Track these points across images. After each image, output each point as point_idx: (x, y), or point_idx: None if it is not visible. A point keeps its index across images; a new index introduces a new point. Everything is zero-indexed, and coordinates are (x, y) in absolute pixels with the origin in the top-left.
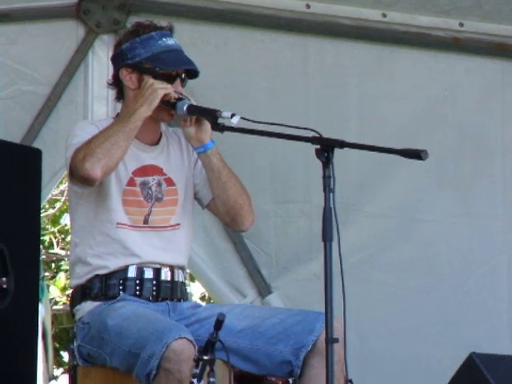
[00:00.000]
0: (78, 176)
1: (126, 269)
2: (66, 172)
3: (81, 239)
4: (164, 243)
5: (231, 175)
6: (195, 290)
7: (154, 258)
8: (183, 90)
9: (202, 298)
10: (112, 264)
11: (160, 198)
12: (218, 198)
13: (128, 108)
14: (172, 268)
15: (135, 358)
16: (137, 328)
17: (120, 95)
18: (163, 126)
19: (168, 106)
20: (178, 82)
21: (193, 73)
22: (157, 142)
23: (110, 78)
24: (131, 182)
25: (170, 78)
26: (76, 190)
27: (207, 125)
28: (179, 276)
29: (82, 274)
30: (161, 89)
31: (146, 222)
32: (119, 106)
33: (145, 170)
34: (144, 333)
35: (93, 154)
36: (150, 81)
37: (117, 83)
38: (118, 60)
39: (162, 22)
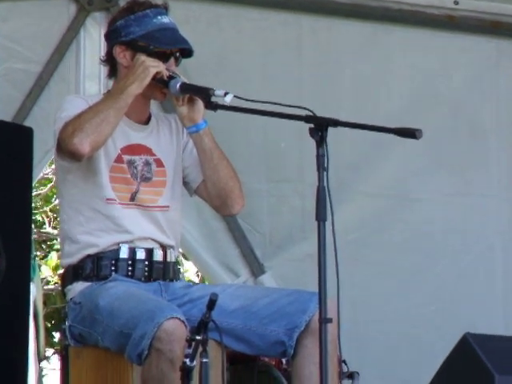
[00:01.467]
0: (65, 150)
1: (117, 249)
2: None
3: (69, 215)
4: (152, 222)
5: (223, 157)
6: (190, 268)
7: (145, 234)
8: (176, 68)
9: (197, 276)
10: (102, 241)
11: (149, 178)
12: (208, 179)
13: (119, 85)
14: (164, 248)
15: (127, 338)
16: (128, 308)
17: (112, 72)
18: (155, 110)
19: (161, 83)
20: (172, 60)
21: (187, 52)
22: (146, 122)
23: (104, 54)
24: (119, 159)
25: (164, 57)
26: (63, 165)
27: (200, 104)
28: (171, 256)
29: (71, 252)
30: (152, 66)
31: (132, 199)
32: (111, 83)
33: (132, 149)
34: (135, 312)
35: (82, 128)
36: (141, 58)
37: (110, 60)
38: (112, 37)
39: (158, 0)
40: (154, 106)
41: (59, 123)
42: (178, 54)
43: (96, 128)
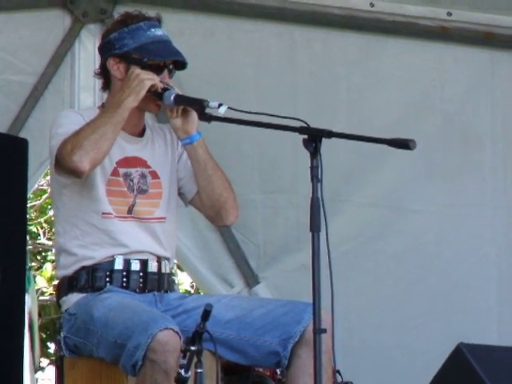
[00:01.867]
0: (65, 168)
1: (112, 260)
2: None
3: (64, 229)
4: (149, 234)
5: (217, 168)
6: (184, 279)
7: (141, 248)
8: (170, 80)
9: (192, 287)
10: (98, 254)
11: (145, 190)
12: (202, 190)
13: (114, 98)
14: (159, 259)
15: (121, 349)
16: (122, 319)
17: (106, 85)
18: (149, 121)
19: (155, 96)
20: (165, 72)
21: (181, 64)
22: (141, 134)
23: (97, 67)
24: (115, 172)
25: (157, 69)
26: (60, 180)
27: (194, 116)
28: (166, 267)
29: (67, 264)
30: (147, 79)
31: (130, 211)
32: (106, 96)
33: (128, 162)
34: (129, 323)
35: (81, 146)
36: (136, 71)
37: (104, 73)
38: (106, 50)
39: (151, 13)
40: (148, 117)
41: (56, 140)
42: (171, 66)
43: (95, 145)
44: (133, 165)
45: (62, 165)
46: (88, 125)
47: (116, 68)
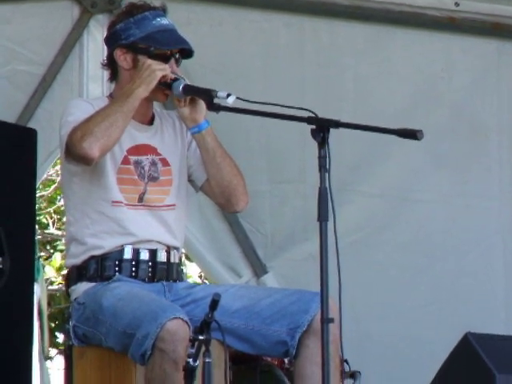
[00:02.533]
0: (75, 155)
1: (121, 250)
2: (59, 150)
3: (75, 218)
4: (159, 222)
5: (226, 156)
6: (193, 270)
7: (149, 237)
8: (178, 69)
9: (200, 277)
10: (107, 243)
11: (156, 178)
12: (212, 178)
13: (125, 88)
14: (168, 249)
15: (130, 339)
16: (131, 308)
17: (114, 76)
18: (157, 108)
19: (164, 86)
20: (172, 61)
21: (187, 52)
22: (150, 122)
23: (104, 58)
24: (126, 161)
25: (164, 58)
26: (70, 168)
27: (202, 105)
28: (175, 257)
29: (77, 253)
30: (159, 70)
31: (140, 200)
32: (112, 84)
33: (139, 149)
34: (138, 313)
35: (91, 133)
36: (147, 61)
37: (111, 64)
38: (112, 40)
39: (156, 2)
40: (155, 104)
41: (67, 128)
42: (178, 55)
43: (105, 132)
44: (143, 152)
45: (72, 152)
46: (98, 112)
47: (123, 58)
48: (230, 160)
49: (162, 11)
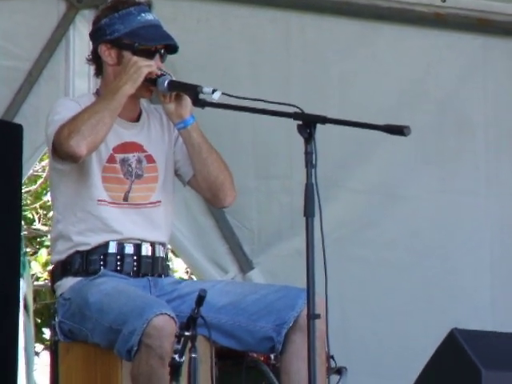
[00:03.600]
0: (62, 153)
1: (106, 244)
2: (46, 148)
3: (63, 216)
4: (144, 220)
5: (212, 151)
6: (180, 266)
7: (134, 235)
8: (163, 65)
9: (187, 273)
10: (93, 240)
11: (140, 175)
12: (198, 173)
13: (111, 85)
14: (153, 244)
15: (116, 334)
16: (118, 304)
17: (99, 71)
18: (144, 103)
19: (149, 82)
20: (157, 57)
21: (172, 48)
22: (137, 119)
23: (89, 53)
24: (111, 159)
25: (149, 54)
26: (58, 167)
27: (187, 100)
28: (160, 251)
29: (62, 249)
30: (145, 66)
31: (125, 199)
32: (98, 79)
33: (125, 147)
34: (125, 309)
35: (78, 130)
36: (133, 58)
37: (96, 59)
38: (97, 36)
39: None
40: (142, 99)
41: (53, 126)
42: (162, 51)
43: (92, 129)
44: (129, 150)
45: (59, 150)
46: (85, 110)
47: (107, 54)
48: (216, 155)
49: (147, 6)
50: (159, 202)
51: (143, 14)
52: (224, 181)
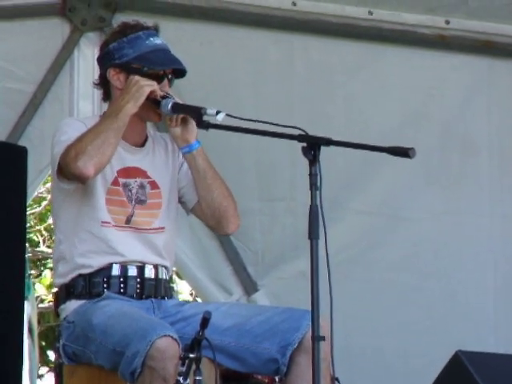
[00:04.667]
0: (69, 174)
1: (109, 267)
2: (50, 168)
3: (65, 236)
4: (146, 245)
5: (216, 177)
6: (184, 288)
7: (137, 257)
8: (169, 89)
9: (191, 295)
10: (95, 262)
11: (143, 201)
12: (202, 199)
13: (115, 105)
14: (156, 266)
15: (120, 356)
16: (121, 326)
17: (107, 95)
18: (151, 131)
19: (153, 103)
20: (165, 81)
21: (180, 72)
22: (142, 144)
23: (97, 78)
24: (115, 182)
25: (157, 78)
26: (63, 187)
27: (193, 124)
28: (163, 274)
29: (64, 272)
30: (147, 86)
31: (128, 221)
32: (105, 104)
33: (128, 172)
34: (128, 331)
35: (84, 151)
36: (135, 77)
37: (104, 83)
38: (105, 60)
39: (148, 22)
40: (149, 126)
41: (59, 147)
42: (170, 76)
43: (98, 150)
44: (132, 175)
45: (67, 171)
46: (90, 131)
47: (116, 78)
48: (220, 181)
49: (155, 31)
50: (162, 228)
51: (151, 39)
52: (228, 208)
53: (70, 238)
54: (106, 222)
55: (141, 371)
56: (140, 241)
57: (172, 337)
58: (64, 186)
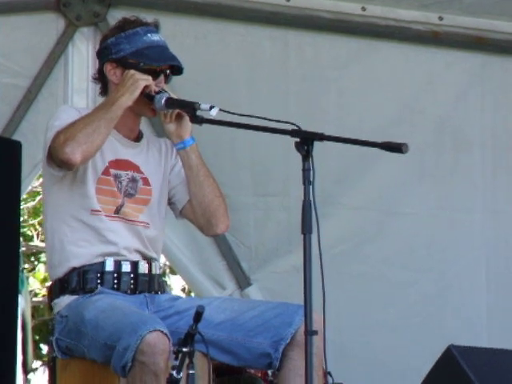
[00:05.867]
0: (57, 159)
1: (103, 262)
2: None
3: (54, 226)
4: (135, 235)
5: (209, 175)
6: (176, 283)
7: (129, 245)
8: (165, 85)
9: (183, 290)
10: (87, 251)
11: (132, 194)
12: (194, 196)
13: (109, 97)
14: (149, 261)
15: (111, 350)
16: (112, 320)
17: (104, 90)
18: (147, 132)
19: (147, 98)
20: (161, 77)
21: (177, 69)
22: (136, 139)
23: (95, 72)
24: (106, 172)
25: (154, 74)
26: (52, 173)
27: (187, 121)
28: (156, 269)
29: (57, 262)
30: (142, 80)
31: (117, 211)
32: (99, 99)
33: (119, 164)
34: (119, 325)
35: (74, 138)
36: (131, 71)
37: (101, 78)
38: (103, 55)
39: (148, 18)
40: (146, 128)
41: (52, 131)
42: (167, 72)
43: (88, 138)
44: (123, 167)
45: (55, 156)
46: (82, 118)
47: (113, 73)
48: (213, 180)
49: (155, 27)
50: (147, 223)
51: (149, 35)
52: (218, 207)
53: (59, 227)
54: (97, 211)
55: (131, 365)
56: (129, 231)
57: (162, 331)
58: (53, 171)
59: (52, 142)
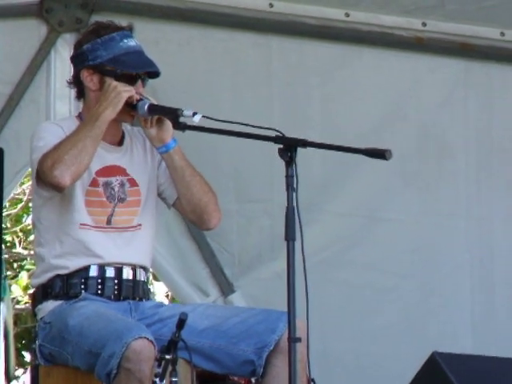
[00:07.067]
0: (46, 182)
1: (87, 268)
2: (29, 171)
3: (46, 240)
4: (126, 243)
5: (195, 174)
6: (159, 289)
7: (115, 259)
8: (144, 90)
9: (167, 297)
10: (72, 264)
11: (123, 199)
12: (182, 197)
13: (92, 111)
14: (134, 267)
15: (96, 358)
16: (97, 328)
17: (80, 94)
18: (128, 126)
19: (129, 107)
20: (139, 82)
21: (154, 73)
22: (120, 142)
23: (71, 77)
24: (94, 183)
25: (131, 80)
26: (42, 193)
27: (168, 124)
28: (141, 275)
29: (41, 272)
30: (125, 91)
31: (108, 222)
32: (81, 104)
33: (108, 171)
34: (104, 332)
35: (61, 160)
36: (113, 83)
37: (77, 83)
38: (79, 61)
39: (123, 22)
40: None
41: (37, 153)
42: (143, 76)
43: (75, 159)
44: (112, 173)
45: (43, 179)
46: (68, 139)
47: (90, 79)
48: (199, 178)
49: (129, 31)
50: (140, 225)
51: (125, 40)
52: (208, 203)
53: (51, 241)
54: (85, 224)
55: (116, 373)
56: (120, 240)
57: (148, 338)
58: (43, 192)
59: (39, 165)
